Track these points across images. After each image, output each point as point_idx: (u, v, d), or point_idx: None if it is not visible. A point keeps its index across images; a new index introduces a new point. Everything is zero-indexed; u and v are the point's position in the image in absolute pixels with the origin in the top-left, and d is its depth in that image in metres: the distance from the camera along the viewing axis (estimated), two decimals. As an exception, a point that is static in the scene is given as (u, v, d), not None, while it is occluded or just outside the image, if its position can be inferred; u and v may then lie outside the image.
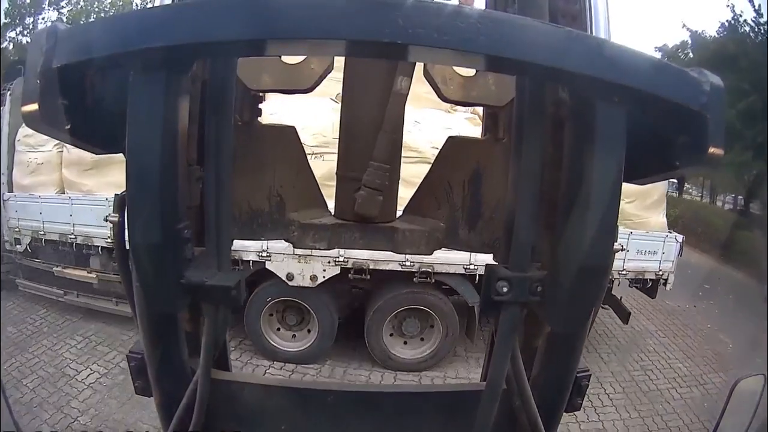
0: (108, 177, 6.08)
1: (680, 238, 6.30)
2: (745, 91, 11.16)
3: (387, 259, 5.31)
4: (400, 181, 1.27)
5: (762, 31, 12.19)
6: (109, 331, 6.37)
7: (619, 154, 0.75)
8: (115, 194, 0.90)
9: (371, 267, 5.42)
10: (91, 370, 5.62)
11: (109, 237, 4.39)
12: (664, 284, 6.21)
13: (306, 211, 1.19)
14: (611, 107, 0.73)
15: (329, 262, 5.39)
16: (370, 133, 1.18)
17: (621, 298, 6.34)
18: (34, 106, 0.72)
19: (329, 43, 0.68)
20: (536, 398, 0.93)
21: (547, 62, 0.65)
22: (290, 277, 5.61)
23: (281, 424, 1.02)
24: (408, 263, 5.42)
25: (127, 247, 0.84)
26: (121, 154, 0.78)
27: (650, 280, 6.33)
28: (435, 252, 1.22)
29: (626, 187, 0.81)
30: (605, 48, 0.71)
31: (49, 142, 6.73)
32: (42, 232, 6.82)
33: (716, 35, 14.75)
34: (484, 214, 1.16)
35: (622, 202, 0.81)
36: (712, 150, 0.74)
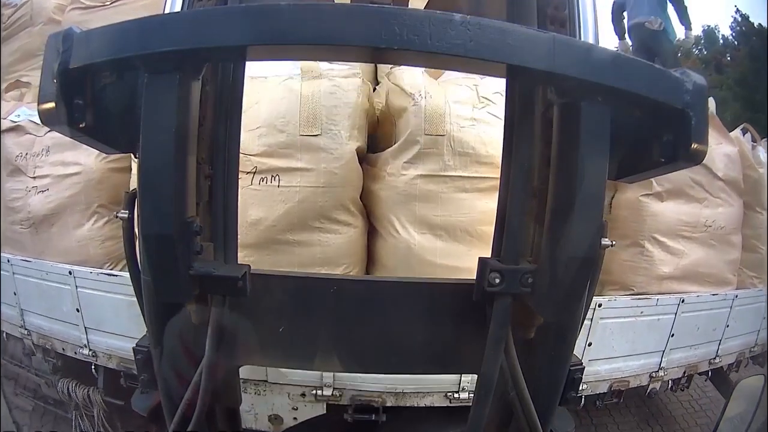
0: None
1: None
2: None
3: (420, 389, 2.41)
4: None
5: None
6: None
7: (603, 152, 0.91)
8: (125, 192, 1.06)
9: (389, 403, 2.54)
10: None
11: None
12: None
13: None
14: (596, 107, 0.89)
15: (303, 395, 2.55)
16: None
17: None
18: (51, 105, 0.89)
19: (329, 48, 0.85)
20: (531, 391, 1.08)
21: (533, 65, 0.82)
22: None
23: (286, 314, 1.13)
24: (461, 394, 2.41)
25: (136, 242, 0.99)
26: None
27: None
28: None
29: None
30: (590, 51, 0.89)
31: None
32: None
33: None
34: None
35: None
36: (695, 146, 0.90)
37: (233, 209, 1.09)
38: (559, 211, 0.94)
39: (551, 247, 0.96)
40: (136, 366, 1.19)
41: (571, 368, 1.17)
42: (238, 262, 1.12)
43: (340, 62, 1.96)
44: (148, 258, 0.96)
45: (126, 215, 1.07)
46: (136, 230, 1.04)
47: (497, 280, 1.00)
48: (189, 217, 0.96)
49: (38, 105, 0.90)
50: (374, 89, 2.31)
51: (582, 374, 1.22)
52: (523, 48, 0.80)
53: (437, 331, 1.15)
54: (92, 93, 0.94)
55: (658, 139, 0.94)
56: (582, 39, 1.08)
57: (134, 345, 1.22)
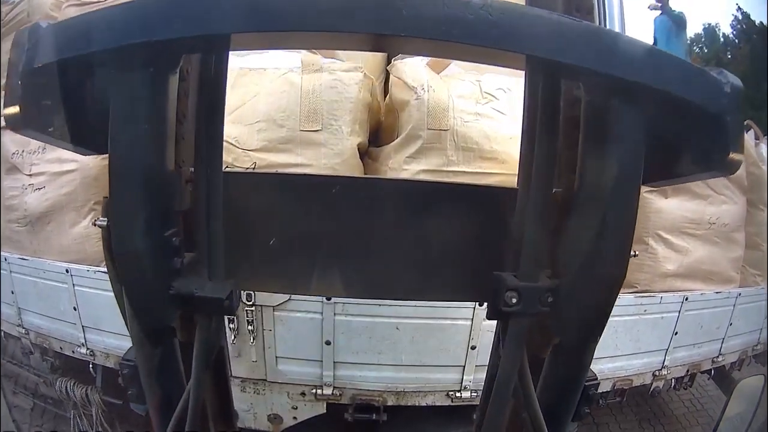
0: None
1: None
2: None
3: (420, 388, 2.35)
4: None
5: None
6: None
7: (637, 156, 0.80)
8: (104, 197, 0.94)
9: (390, 402, 2.46)
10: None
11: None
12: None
13: None
14: (629, 106, 0.78)
15: (303, 394, 2.45)
16: None
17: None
18: (16, 109, 0.76)
19: (326, 35, 0.72)
20: (543, 408, 0.97)
21: (563, 58, 0.69)
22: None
23: (289, 213, 1.03)
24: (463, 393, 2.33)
25: None
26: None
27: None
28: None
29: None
30: (626, 44, 0.75)
31: None
32: None
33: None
34: None
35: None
36: (732, 155, 0.78)
37: (218, 216, 0.97)
38: (587, 222, 0.84)
39: (575, 263, 0.86)
40: (122, 380, 1.10)
41: (586, 384, 1.06)
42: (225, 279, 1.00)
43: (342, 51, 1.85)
44: (124, 278, 0.85)
45: (105, 223, 0.94)
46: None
47: (514, 300, 0.88)
48: (167, 229, 0.84)
49: (3, 109, 0.78)
50: (386, 80, 2.24)
51: (597, 389, 1.11)
52: (554, 38, 0.68)
53: (455, 242, 1.03)
54: (62, 93, 0.81)
55: (691, 145, 0.83)
56: (608, 28, 0.97)
57: (120, 359, 1.12)
